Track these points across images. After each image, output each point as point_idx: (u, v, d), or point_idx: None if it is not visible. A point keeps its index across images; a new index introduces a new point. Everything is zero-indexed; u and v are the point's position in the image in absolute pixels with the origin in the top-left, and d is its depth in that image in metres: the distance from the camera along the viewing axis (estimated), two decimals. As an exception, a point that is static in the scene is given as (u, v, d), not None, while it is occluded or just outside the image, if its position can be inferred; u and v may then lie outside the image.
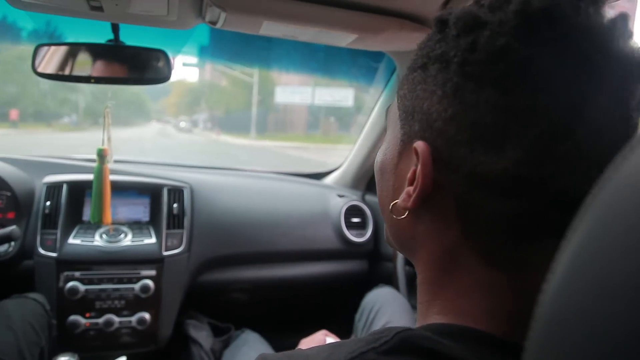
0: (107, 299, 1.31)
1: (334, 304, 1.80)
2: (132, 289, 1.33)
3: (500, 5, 0.35)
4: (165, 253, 1.37)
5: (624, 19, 0.34)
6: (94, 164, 1.29)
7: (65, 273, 1.28)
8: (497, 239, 0.36)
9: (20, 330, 1.08)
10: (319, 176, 1.98)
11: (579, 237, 0.21)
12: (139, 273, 1.34)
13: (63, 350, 1.16)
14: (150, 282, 1.34)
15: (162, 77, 1.09)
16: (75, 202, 1.39)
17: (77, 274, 1.29)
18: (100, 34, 1.03)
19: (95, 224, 1.36)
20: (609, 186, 0.21)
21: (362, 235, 1.66)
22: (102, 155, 1.28)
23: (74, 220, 1.39)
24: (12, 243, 1.27)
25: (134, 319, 1.34)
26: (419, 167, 0.38)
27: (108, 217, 1.29)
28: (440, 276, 0.40)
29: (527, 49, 0.33)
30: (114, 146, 1.32)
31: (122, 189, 1.43)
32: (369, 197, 1.78)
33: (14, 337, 1.05)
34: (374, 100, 1.70)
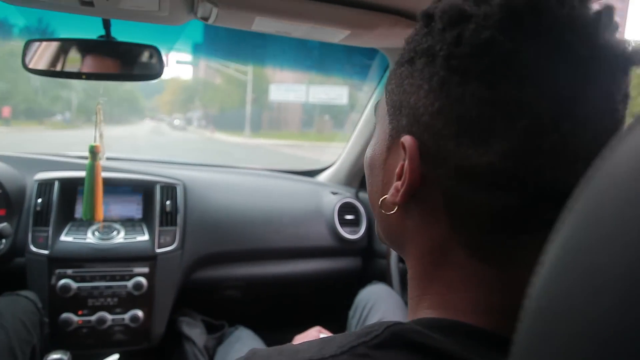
0: (99, 296, 1.31)
1: (328, 301, 1.80)
2: (125, 286, 1.32)
3: None
4: (158, 250, 1.36)
5: (609, 11, 0.34)
6: (86, 161, 1.28)
7: (57, 270, 1.27)
8: (485, 232, 0.36)
9: (11, 328, 1.07)
10: (312, 173, 1.98)
11: (567, 231, 0.21)
12: (131, 270, 1.33)
13: (55, 348, 1.16)
14: (143, 280, 1.33)
15: (154, 73, 1.08)
16: (67, 199, 1.39)
17: (69, 271, 1.28)
18: (92, 30, 1.03)
19: (88, 221, 1.35)
20: (595, 179, 0.21)
21: (355, 233, 1.66)
22: (94, 152, 1.27)
23: (66, 217, 1.38)
24: (3, 240, 1.26)
25: (126, 316, 1.33)
26: (406, 161, 0.38)
27: (100, 214, 1.29)
28: (430, 271, 0.40)
29: (512, 42, 0.33)
30: (107, 144, 1.31)
31: (114, 186, 1.43)
32: (363, 194, 1.78)
33: (5, 335, 1.04)
34: (367, 97, 1.70)
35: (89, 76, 1.05)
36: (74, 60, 1.04)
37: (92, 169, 1.28)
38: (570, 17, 0.33)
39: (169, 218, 1.41)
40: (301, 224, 1.61)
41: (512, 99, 0.33)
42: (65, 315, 1.28)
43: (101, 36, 1.02)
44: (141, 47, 1.06)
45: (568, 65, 0.33)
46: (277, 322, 1.65)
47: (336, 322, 1.37)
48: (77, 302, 1.29)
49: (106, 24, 1.00)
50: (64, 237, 1.31)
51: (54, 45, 1.03)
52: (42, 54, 1.03)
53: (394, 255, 1.47)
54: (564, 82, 0.33)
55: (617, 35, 0.34)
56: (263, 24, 0.93)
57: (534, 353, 0.21)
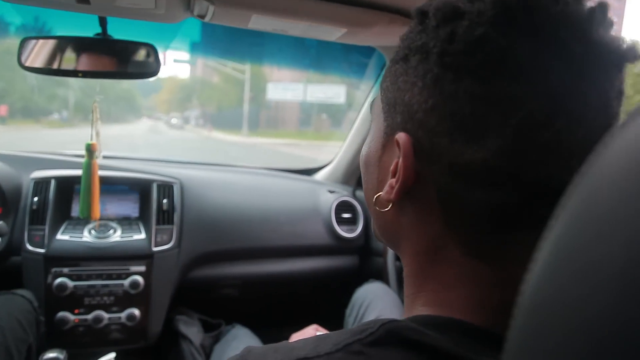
0: (96, 295, 1.31)
1: (325, 299, 1.80)
2: (122, 284, 1.32)
3: None
4: (155, 249, 1.36)
5: (603, 8, 0.34)
6: (83, 160, 1.28)
7: (54, 269, 1.27)
8: (479, 229, 0.36)
9: (7, 326, 1.07)
10: (309, 172, 1.98)
11: (560, 228, 0.21)
12: (128, 269, 1.33)
13: (51, 347, 1.15)
14: (139, 278, 1.33)
15: (150, 71, 1.08)
16: (64, 197, 1.38)
17: (65, 270, 1.28)
18: (89, 29, 1.02)
19: (84, 220, 1.35)
20: (589, 176, 0.21)
21: (352, 231, 1.66)
22: (90, 150, 1.26)
23: (63, 216, 1.37)
24: (-1, 239, 1.25)
25: (123, 315, 1.33)
26: (401, 158, 0.38)
27: (97, 212, 1.28)
28: (425, 268, 0.40)
29: (505, 38, 0.33)
30: (104, 142, 1.31)
31: (111, 185, 1.42)
32: (360, 193, 1.78)
33: (1, 334, 1.04)
34: (365, 96, 1.70)
35: (85, 74, 1.05)
36: (70, 58, 1.04)
37: (88, 167, 1.27)
38: (563, 13, 0.33)
39: (165, 216, 1.41)
40: (298, 222, 1.61)
41: (506, 95, 0.33)
42: (61, 314, 1.28)
43: (97, 34, 1.02)
44: (138, 45, 1.06)
45: (561, 61, 0.33)
46: (274, 321, 1.65)
47: (333, 320, 1.37)
48: (74, 300, 1.29)
49: (102, 22, 1.00)
50: (60, 236, 1.31)
51: (50, 43, 1.03)
52: (39, 52, 1.03)
53: (390, 253, 1.48)
54: (558, 78, 0.33)
55: (612, 32, 0.34)
56: (260, 22, 0.93)
57: (527, 350, 0.21)
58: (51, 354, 1.12)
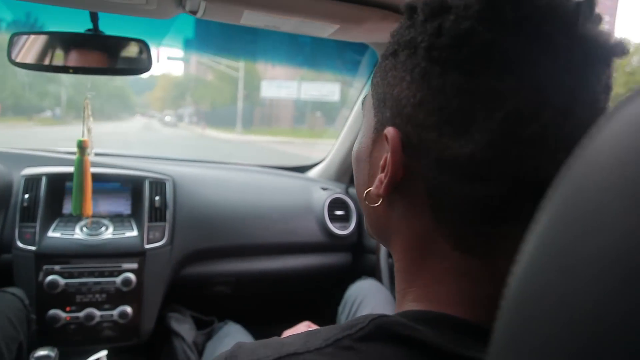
0: (87, 292, 1.30)
1: (318, 296, 1.80)
2: (114, 282, 1.31)
3: None
4: (147, 246, 1.35)
5: (589, 2, 0.34)
6: (74, 157, 1.27)
7: (45, 267, 1.26)
8: (468, 223, 0.36)
9: (-3, 324, 1.06)
10: (302, 169, 1.98)
11: (545, 220, 0.21)
12: (120, 266, 1.33)
13: (43, 345, 1.15)
14: (131, 276, 1.32)
15: (142, 67, 1.08)
16: (55, 194, 1.37)
17: (56, 267, 1.27)
18: (81, 26, 1.02)
19: (76, 217, 1.34)
20: (574, 169, 0.21)
21: (345, 228, 1.66)
22: (82, 146, 1.26)
23: (54, 213, 1.36)
24: (-11, 236, 1.24)
25: (115, 312, 1.32)
26: (389, 153, 0.38)
27: (89, 209, 1.28)
28: (415, 263, 0.40)
29: (490, 32, 0.33)
30: (97, 140, 1.30)
31: (103, 182, 1.41)
32: (353, 190, 1.78)
33: (-8, 332, 1.03)
34: (358, 93, 1.70)
35: (77, 70, 1.04)
36: (61, 54, 1.03)
37: (80, 164, 1.27)
38: (549, 7, 0.33)
39: (158, 214, 1.40)
40: (291, 219, 1.61)
41: (492, 89, 0.33)
42: (52, 311, 1.27)
43: (89, 30, 1.01)
44: (129, 41, 1.05)
45: (547, 55, 0.33)
46: (267, 318, 1.65)
47: (326, 317, 1.38)
48: (65, 298, 1.28)
49: (94, 18, 0.99)
50: (51, 233, 1.30)
51: (41, 39, 1.02)
52: (29, 48, 1.02)
53: (383, 250, 1.48)
54: (543, 72, 0.33)
55: (600, 27, 0.35)
56: (252, 18, 0.93)
57: (513, 341, 0.21)
58: (42, 352, 1.11)
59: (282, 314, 1.63)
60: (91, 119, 1.25)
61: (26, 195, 1.31)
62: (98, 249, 1.30)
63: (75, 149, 1.27)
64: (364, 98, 0.48)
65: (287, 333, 1.07)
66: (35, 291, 1.25)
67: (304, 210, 1.64)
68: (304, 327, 1.10)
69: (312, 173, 1.94)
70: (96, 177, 1.34)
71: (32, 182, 1.34)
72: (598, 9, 0.35)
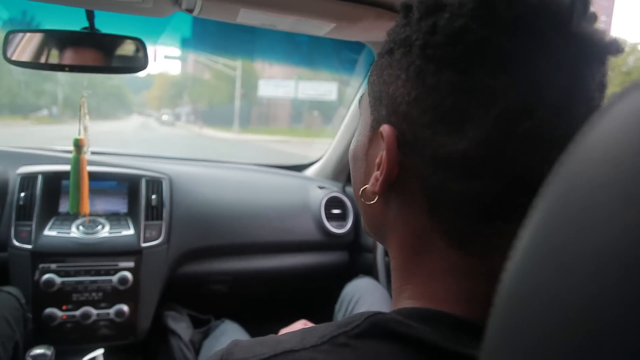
0: (84, 291, 1.30)
1: (314, 295, 1.80)
2: (110, 280, 1.31)
3: None
4: (144, 244, 1.35)
5: (584, 0, 0.34)
6: (70, 155, 1.27)
7: (41, 265, 1.26)
8: (462, 221, 0.36)
9: (-7, 323, 1.06)
10: (299, 168, 1.98)
11: (538, 216, 0.21)
12: (117, 265, 1.32)
13: (39, 344, 1.14)
14: (128, 274, 1.32)
15: (138, 66, 1.07)
16: (51, 193, 1.37)
17: (53, 266, 1.27)
18: (77, 24, 1.01)
19: (72, 216, 1.34)
20: (567, 166, 0.21)
21: (342, 227, 1.66)
22: (78, 145, 1.26)
23: (50, 211, 1.36)
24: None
25: (112, 311, 1.32)
26: (384, 150, 0.38)
27: (86, 207, 1.28)
28: (411, 261, 0.40)
29: (484, 30, 0.33)
30: (94, 139, 1.30)
31: (99, 180, 1.41)
32: (350, 189, 1.78)
33: (-13, 330, 1.03)
34: (354, 92, 1.70)
35: (72, 68, 1.03)
36: (56, 52, 1.03)
37: (77, 162, 1.26)
38: (543, 5, 0.33)
39: (154, 212, 1.40)
40: (288, 218, 1.61)
41: (486, 86, 0.33)
42: (49, 310, 1.27)
43: (85, 28, 1.01)
44: (125, 40, 1.05)
45: (541, 53, 0.33)
46: (264, 316, 1.65)
47: (322, 315, 1.37)
48: (61, 297, 1.28)
49: (90, 16, 0.99)
50: (47, 232, 1.30)
51: (36, 37, 1.02)
52: (25, 46, 1.01)
53: (380, 249, 1.48)
54: (537, 70, 0.33)
55: (594, 26, 0.35)
56: (248, 16, 0.93)
57: (506, 337, 0.21)
58: (38, 350, 1.11)
59: (278, 312, 1.63)
60: (87, 117, 1.25)
61: (22, 194, 1.31)
62: (94, 248, 1.30)
63: (71, 148, 1.27)
64: (361, 97, 0.48)
65: (284, 331, 1.07)
66: (32, 290, 1.25)
67: (301, 209, 1.64)
68: (301, 325, 1.10)
69: (309, 172, 1.94)
70: (93, 176, 1.33)
71: (27, 181, 1.34)
72: (594, 9, 0.35)
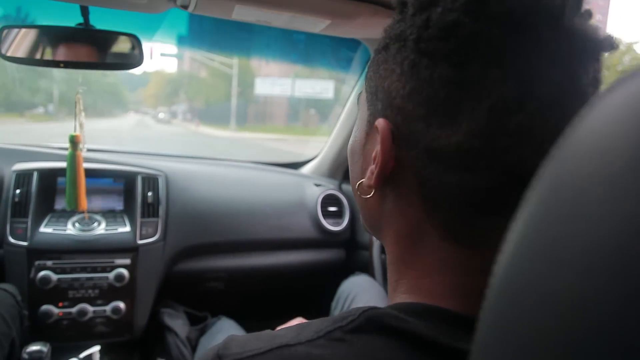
0: (80, 288, 1.30)
1: (311, 292, 1.81)
2: (106, 277, 1.31)
3: None
4: (140, 242, 1.35)
5: None
6: (66, 152, 1.27)
7: (37, 262, 1.26)
8: (457, 214, 0.37)
9: (-11, 320, 1.06)
10: (296, 165, 1.98)
11: (529, 209, 0.21)
12: (113, 262, 1.32)
13: (35, 341, 1.14)
14: (124, 271, 1.32)
15: (133, 62, 1.07)
16: (47, 190, 1.37)
17: (49, 263, 1.27)
18: (72, 20, 1.01)
19: (68, 213, 1.34)
20: (557, 158, 0.21)
21: (338, 224, 1.66)
22: (74, 141, 1.25)
23: (46, 208, 1.36)
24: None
25: (108, 308, 1.32)
26: (379, 144, 0.38)
27: (84, 203, 1.27)
28: (407, 255, 0.40)
29: (476, 23, 0.34)
30: (90, 137, 1.29)
31: (95, 177, 1.41)
32: (346, 186, 1.79)
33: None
34: (350, 90, 1.70)
35: (67, 65, 1.03)
36: (51, 48, 1.02)
37: (73, 159, 1.26)
38: (535, 0, 0.33)
39: (150, 209, 1.40)
40: (284, 215, 1.61)
41: (478, 79, 0.34)
42: (45, 307, 1.26)
43: (79, 24, 1.01)
44: (121, 36, 1.04)
45: (532, 47, 0.33)
46: (260, 314, 1.65)
47: (319, 313, 1.38)
48: (58, 293, 1.28)
49: (84, 11, 0.99)
50: (43, 229, 1.29)
51: (31, 33, 1.01)
52: (19, 42, 1.01)
53: (376, 246, 1.48)
54: (528, 63, 0.33)
55: (588, 22, 0.35)
56: (243, 13, 0.93)
57: (498, 329, 0.22)
58: (35, 347, 1.10)
59: (275, 309, 1.63)
60: (83, 114, 1.24)
61: (17, 191, 1.30)
62: (90, 245, 1.30)
63: (67, 145, 1.26)
64: (359, 93, 0.49)
65: (280, 329, 1.07)
66: (28, 287, 1.25)
67: (297, 207, 1.65)
68: (297, 322, 1.10)
69: (306, 169, 1.94)
70: (88, 173, 1.33)
71: (23, 178, 1.33)
72: (589, 7, 0.35)
